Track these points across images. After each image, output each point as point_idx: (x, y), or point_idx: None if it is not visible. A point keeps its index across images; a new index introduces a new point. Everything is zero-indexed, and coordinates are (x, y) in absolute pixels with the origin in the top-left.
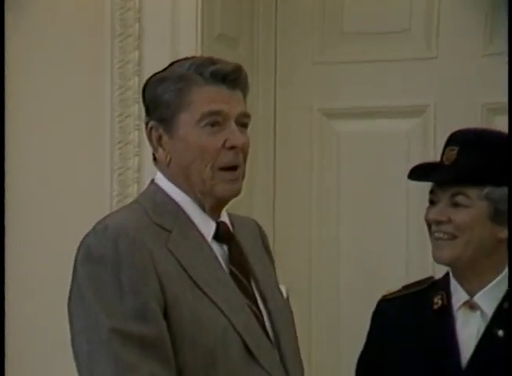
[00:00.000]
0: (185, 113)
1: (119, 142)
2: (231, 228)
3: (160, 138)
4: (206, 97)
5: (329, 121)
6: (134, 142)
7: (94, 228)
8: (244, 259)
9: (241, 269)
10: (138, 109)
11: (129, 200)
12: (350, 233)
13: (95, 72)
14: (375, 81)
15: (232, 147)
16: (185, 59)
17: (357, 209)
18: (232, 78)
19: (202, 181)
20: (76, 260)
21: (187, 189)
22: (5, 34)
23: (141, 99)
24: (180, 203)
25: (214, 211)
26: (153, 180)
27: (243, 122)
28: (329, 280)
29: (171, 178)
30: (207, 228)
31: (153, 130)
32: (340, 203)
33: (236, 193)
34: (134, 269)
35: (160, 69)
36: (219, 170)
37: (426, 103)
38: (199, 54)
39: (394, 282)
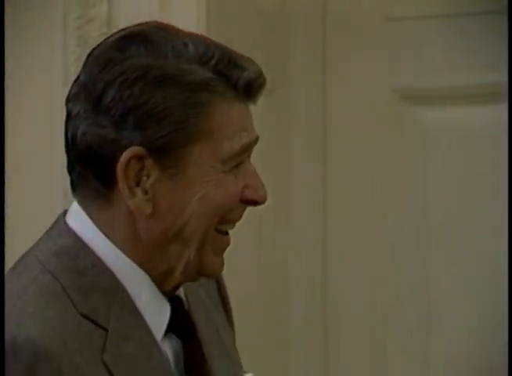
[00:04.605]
0: (201, 145)
1: None
2: (185, 300)
3: (139, 173)
4: (237, 123)
5: (411, 108)
6: None
7: None
8: (205, 361)
9: None
10: None
11: None
12: (447, 279)
13: (39, 32)
14: (484, 46)
15: (252, 202)
16: (188, 40)
17: (455, 241)
18: (258, 89)
19: (197, 248)
20: None
21: (147, 256)
22: None
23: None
24: (119, 274)
25: (175, 288)
26: (64, 215)
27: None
28: None
29: (122, 236)
30: (159, 315)
31: (134, 160)
32: (432, 232)
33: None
34: None
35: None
36: (215, 232)
37: None
38: (202, 3)
39: None
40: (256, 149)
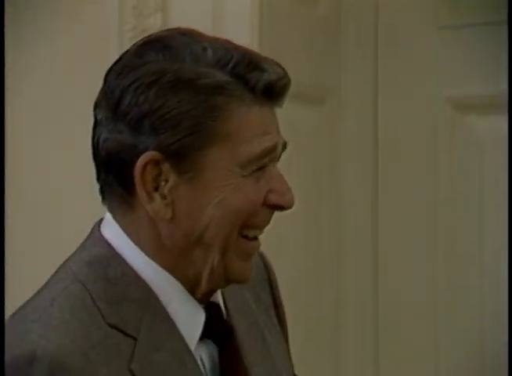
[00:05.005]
0: (218, 148)
1: None
2: (223, 306)
3: (157, 178)
4: (256, 127)
5: (464, 117)
6: None
7: (13, 354)
8: (242, 368)
9: None
10: None
11: None
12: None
13: (94, 42)
14: None
15: (277, 207)
16: (208, 44)
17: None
18: (280, 91)
19: (220, 253)
20: None
21: (173, 262)
22: None
23: None
24: (151, 283)
25: (208, 295)
26: (98, 226)
27: (279, 157)
28: None
29: (148, 242)
30: (193, 324)
31: (151, 165)
32: (486, 241)
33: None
34: None
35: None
36: (240, 236)
37: None
38: (255, 13)
39: None
40: (305, 158)
